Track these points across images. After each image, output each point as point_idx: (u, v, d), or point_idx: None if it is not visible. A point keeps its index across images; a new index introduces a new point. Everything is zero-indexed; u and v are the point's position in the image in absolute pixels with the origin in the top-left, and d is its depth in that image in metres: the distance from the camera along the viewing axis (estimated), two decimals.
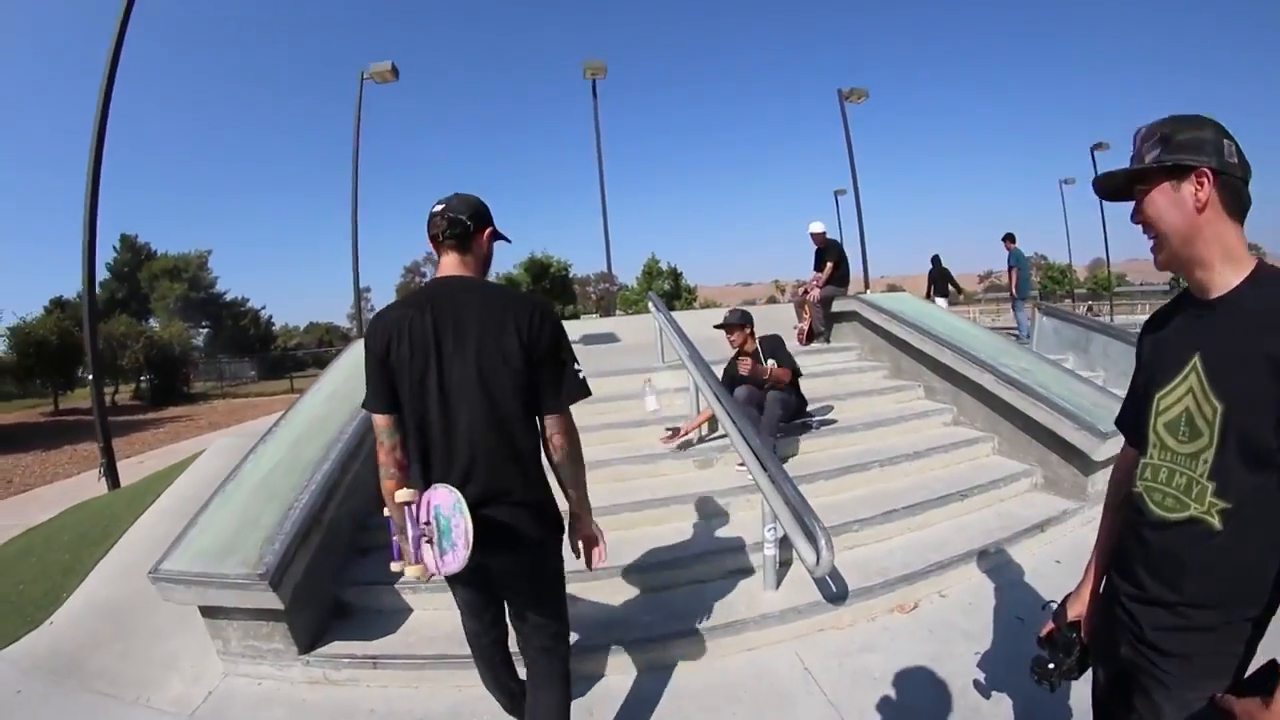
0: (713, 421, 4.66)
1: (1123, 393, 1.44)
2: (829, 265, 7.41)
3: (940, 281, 12.21)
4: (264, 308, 47.41)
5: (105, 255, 40.27)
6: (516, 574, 1.96)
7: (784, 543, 3.12)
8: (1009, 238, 11.09)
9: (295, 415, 4.22)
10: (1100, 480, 4.31)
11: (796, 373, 4.69)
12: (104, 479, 7.10)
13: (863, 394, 5.70)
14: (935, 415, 5.34)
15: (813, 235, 7.66)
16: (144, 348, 24.73)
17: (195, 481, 4.95)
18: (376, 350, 1.84)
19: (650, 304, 6.61)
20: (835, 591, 3.20)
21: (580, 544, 2.11)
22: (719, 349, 4.98)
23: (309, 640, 3.03)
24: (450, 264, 1.94)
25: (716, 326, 4.83)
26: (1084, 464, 4.25)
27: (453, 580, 2.01)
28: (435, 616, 3.19)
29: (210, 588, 2.87)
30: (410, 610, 3.28)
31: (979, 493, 4.21)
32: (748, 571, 3.44)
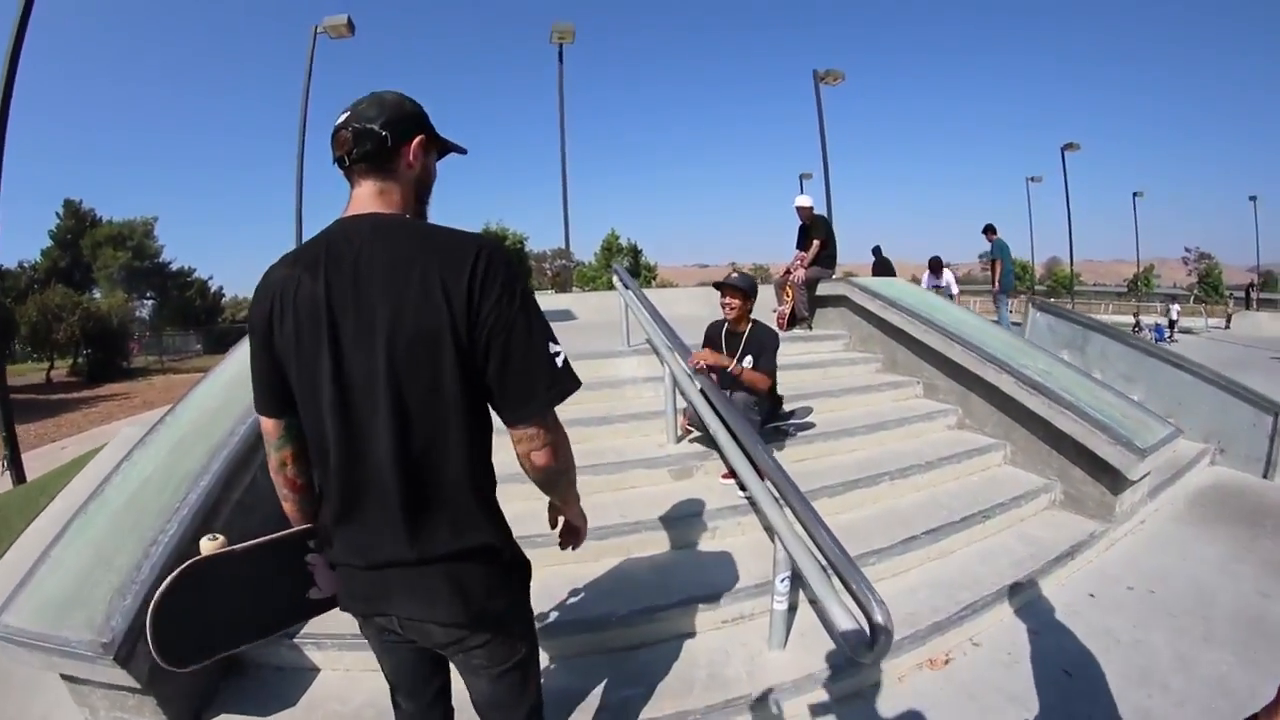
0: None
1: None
2: (815, 243, 6.69)
3: (884, 274, 11.46)
4: (211, 278, 45.38)
5: (48, 222, 38.45)
6: (463, 655, 1.36)
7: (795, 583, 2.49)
8: (990, 229, 10.65)
9: (185, 408, 3.35)
10: (1128, 500, 3.84)
11: (771, 386, 3.91)
12: (7, 472, 6.26)
13: (857, 390, 5.05)
14: (939, 417, 4.76)
15: (799, 210, 6.95)
16: (80, 320, 23.27)
17: (90, 484, 4.12)
18: (258, 327, 1.28)
19: (615, 277, 5.79)
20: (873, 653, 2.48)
21: (560, 528, 1.67)
22: (696, 333, 4.27)
23: (191, 713, 2.35)
24: (364, 197, 1.29)
25: (717, 285, 4.01)
26: (1114, 481, 3.76)
27: (374, 641, 1.46)
28: (344, 683, 2.49)
29: (53, 654, 2.11)
30: (316, 671, 2.57)
31: (1000, 512, 3.67)
32: (743, 620, 2.77)
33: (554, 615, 2.66)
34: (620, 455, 3.87)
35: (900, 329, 5.29)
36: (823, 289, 6.56)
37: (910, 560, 3.20)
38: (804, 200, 6.89)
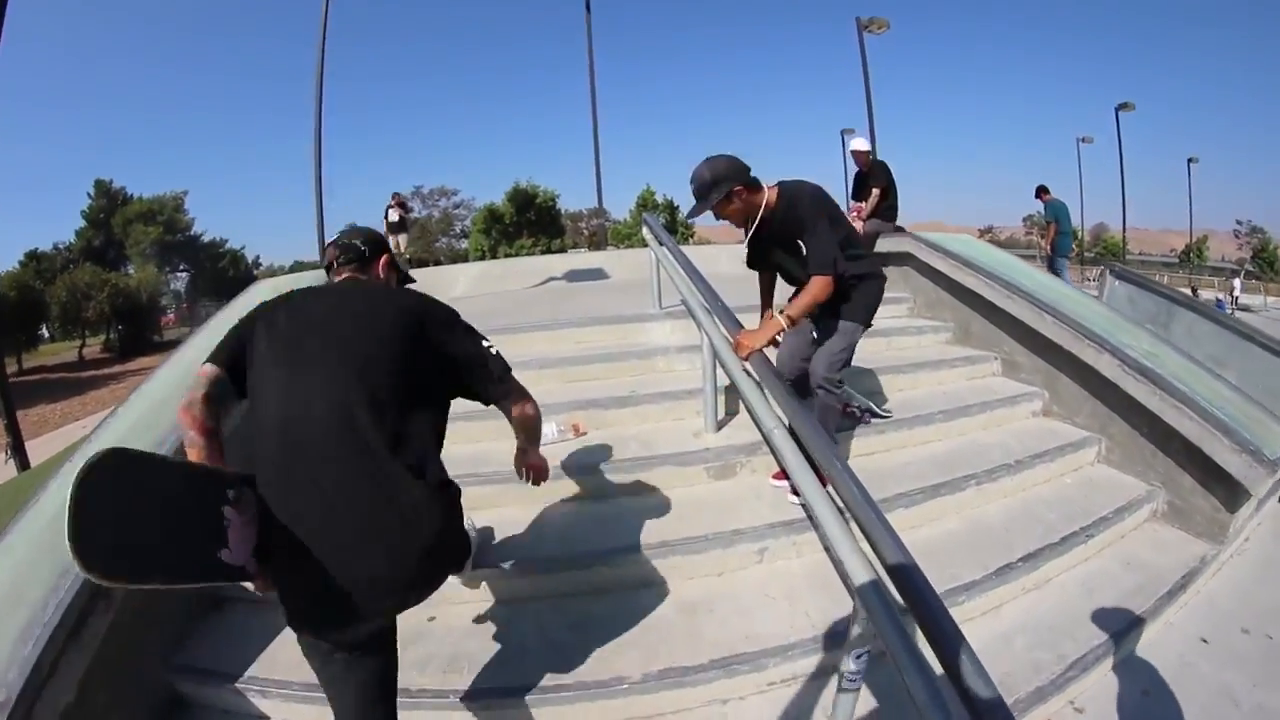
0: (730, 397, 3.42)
1: None
2: (875, 192, 5.86)
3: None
4: (243, 247, 45.68)
5: (80, 202, 38.67)
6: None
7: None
8: (1043, 190, 9.59)
9: (138, 398, 2.89)
10: (1242, 517, 3.15)
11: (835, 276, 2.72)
12: (11, 459, 5.98)
13: (928, 365, 4.25)
14: (1024, 401, 3.98)
15: (855, 154, 6.17)
16: (110, 297, 23.39)
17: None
18: (243, 331, 1.63)
19: (646, 229, 4.95)
20: None
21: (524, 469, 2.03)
22: (740, 294, 3.54)
23: None
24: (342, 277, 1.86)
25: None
26: (1231, 495, 3.04)
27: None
28: None
29: None
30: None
31: (1102, 528, 2.94)
32: (794, 681, 2.13)
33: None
34: (647, 446, 3.19)
35: (977, 294, 4.49)
36: (883, 244, 5.60)
37: (1004, 593, 2.52)
38: (860, 144, 6.10)
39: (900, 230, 5.79)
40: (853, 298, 2.88)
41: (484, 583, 2.45)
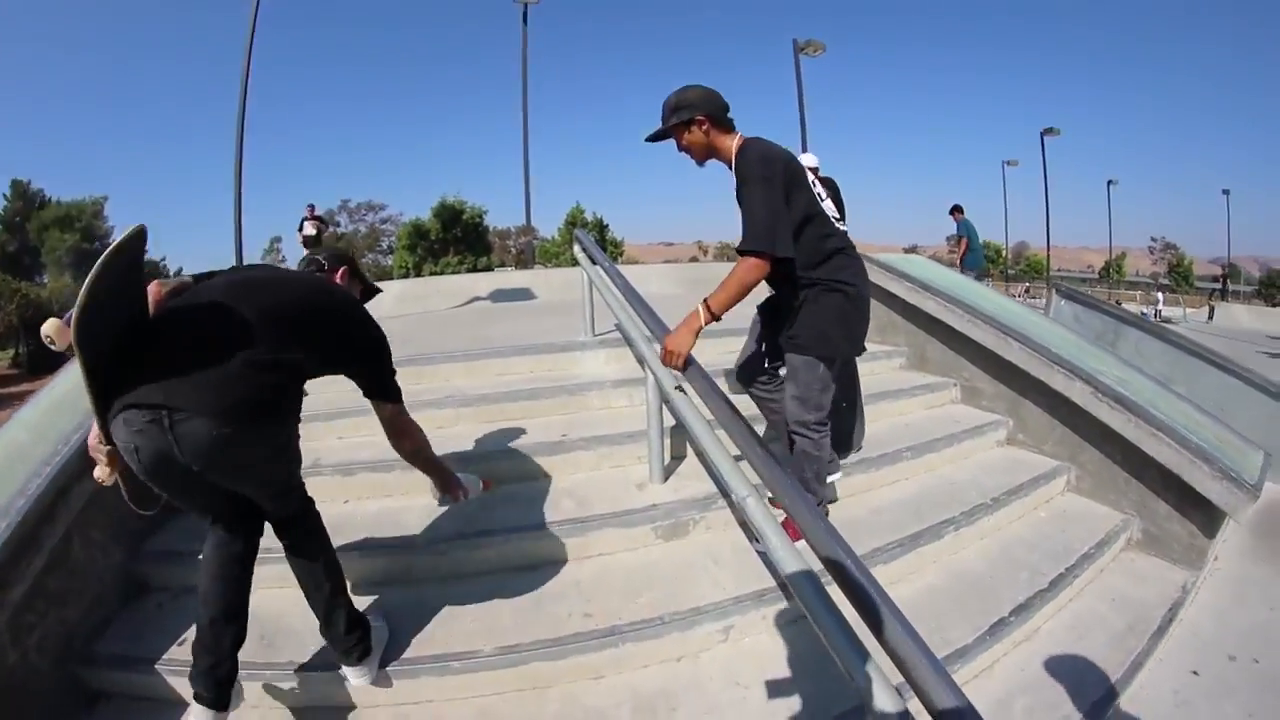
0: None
1: None
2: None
3: None
4: (164, 259, 43.28)
5: None
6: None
7: None
8: (957, 209, 10.26)
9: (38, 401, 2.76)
10: (1220, 544, 3.16)
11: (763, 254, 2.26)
12: None
13: (887, 394, 3.93)
14: (989, 431, 3.76)
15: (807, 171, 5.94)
16: (19, 308, 21.71)
17: None
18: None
19: (577, 247, 4.45)
20: None
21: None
22: (674, 316, 3.17)
23: None
24: None
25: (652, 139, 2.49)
26: (1208, 522, 2.99)
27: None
28: None
29: None
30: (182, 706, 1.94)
31: (1085, 565, 2.78)
32: None
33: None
34: (583, 504, 2.72)
35: (935, 318, 4.27)
36: None
37: (998, 650, 2.27)
38: (811, 159, 5.81)
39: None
40: (801, 314, 2.41)
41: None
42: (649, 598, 2.26)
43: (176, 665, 2.02)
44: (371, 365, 1.95)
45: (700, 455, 1.95)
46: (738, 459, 2.06)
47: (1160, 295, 21.94)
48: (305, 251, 11.42)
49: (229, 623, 1.80)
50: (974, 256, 10.11)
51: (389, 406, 1.99)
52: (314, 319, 1.80)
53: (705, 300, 2.25)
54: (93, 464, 1.61)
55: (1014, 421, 3.85)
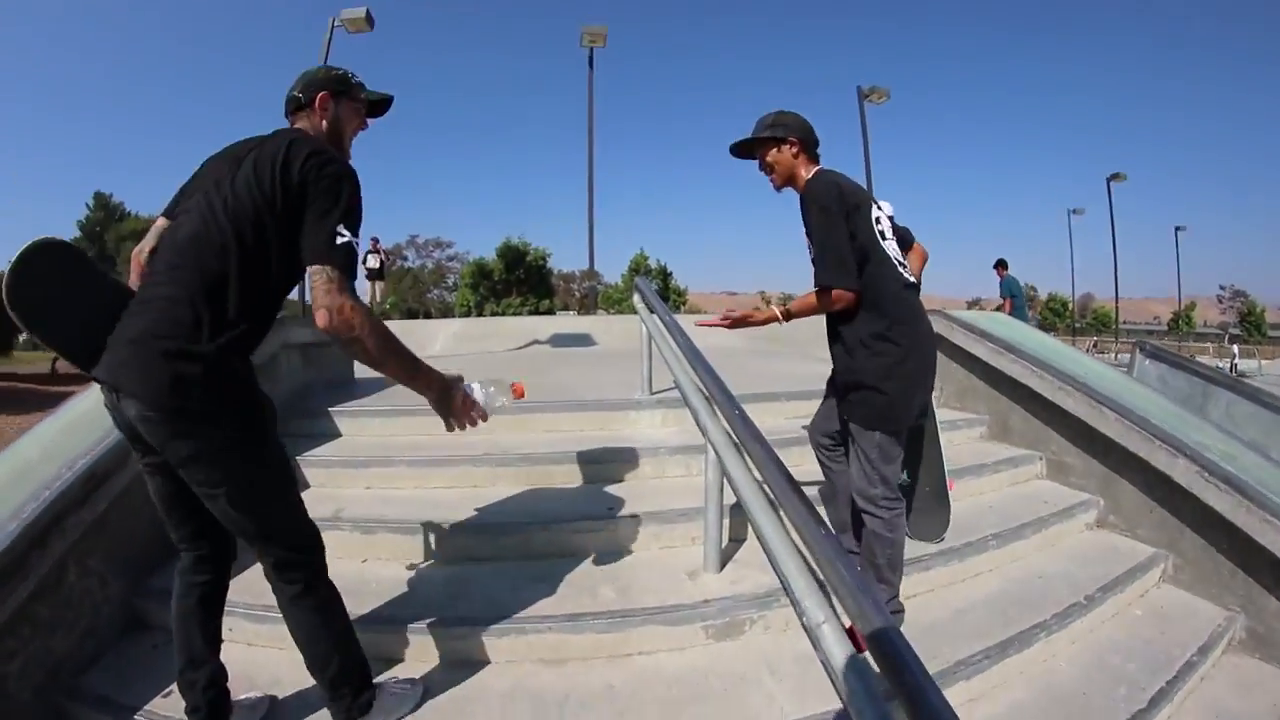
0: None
1: None
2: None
3: None
4: None
5: (77, 213, 38.74)
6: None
7: None
8: (1001, 264, 10.09)
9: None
10: None
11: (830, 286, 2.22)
12: None
13: (967, 470, 3.48)
14: (1078, 512, 3.38)
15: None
16: None
17: None
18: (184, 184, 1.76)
19: (637, 296, 4.14)
20: None
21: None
22: (736, 371, 2.90)
23: None
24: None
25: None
26: None
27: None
28: None
29: None
30: None
31: (1188, 675, 2.39)
32: None
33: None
34: (623, 592, 2.39)
35: (1020, 383, 3.91)
36: None
37: None
38: (886, 208, 5.53)
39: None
40: (854, 369, 2.24)
41: None
42: (692, 715, 1.95)
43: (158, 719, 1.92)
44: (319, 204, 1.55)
45: (761, 541, 1.64)
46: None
47: (1236, 349, 20.60)
48: (369, 284, 11.61)
49: (197, 669, 1.71)
50: (1019, 314, 9.69)
51: (324, 273, 1.49)
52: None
53: (786, 305, 2.37)
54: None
55: (1105, 501, 3.47)
